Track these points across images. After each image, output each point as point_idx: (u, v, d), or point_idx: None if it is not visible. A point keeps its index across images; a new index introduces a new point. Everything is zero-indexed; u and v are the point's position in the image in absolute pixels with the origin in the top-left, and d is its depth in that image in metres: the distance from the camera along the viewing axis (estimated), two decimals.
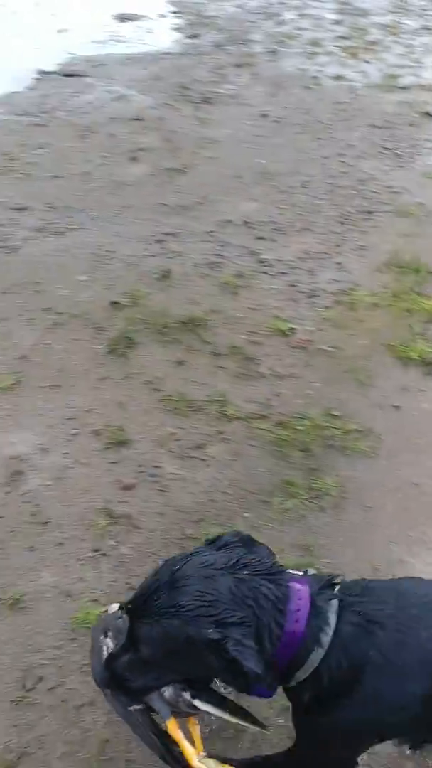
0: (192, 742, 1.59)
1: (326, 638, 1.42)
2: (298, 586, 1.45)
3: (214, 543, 1.51)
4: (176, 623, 1.36)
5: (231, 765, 1.62)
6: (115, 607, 1.68)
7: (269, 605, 1.39)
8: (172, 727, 1.57)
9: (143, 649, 1.44)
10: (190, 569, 1.41)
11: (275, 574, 1.44)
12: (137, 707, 1.59)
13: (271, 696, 1.50)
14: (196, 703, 1.52)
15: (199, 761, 1.56)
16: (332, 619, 1.44)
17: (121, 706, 1.61)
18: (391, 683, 1.46)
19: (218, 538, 1.52)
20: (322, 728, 1.54)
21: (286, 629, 1.39)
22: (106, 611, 1.73)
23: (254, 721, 1.62)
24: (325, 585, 1.49)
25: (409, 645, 1.46)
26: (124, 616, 1.53)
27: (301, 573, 1.52)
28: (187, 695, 1.52)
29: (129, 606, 1.47)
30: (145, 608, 1.41)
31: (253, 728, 1.70)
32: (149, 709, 1.59)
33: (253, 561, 1.44)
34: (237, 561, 1.42)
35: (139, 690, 1.52)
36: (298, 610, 1.41)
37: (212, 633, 1.34)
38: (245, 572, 1.41)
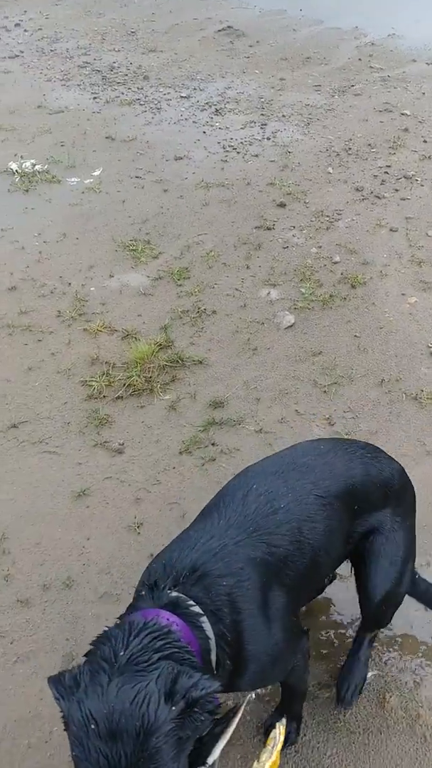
0: None
1: (195, 607, 1.62)
2: (150, 613, 1.56)
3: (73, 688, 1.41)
4: (155, 741, 1.32)
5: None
6: None
7: (163, 643, 1.45)
8: None
9: None
10: (104, 710, 1.33)
11: (140, 632, 1.46)
12: None
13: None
14: (211, 759, 1.53)
15: None
16: (183, 597, 1.63)
17: None
18: (251, 585, 1.75)
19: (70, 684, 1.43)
20: (257, 660, 1.77)
21: (183, 637, 1.51)
22: None
23: (236, 710, 1.68)
24: (153, 590, 1.66)
25: (231, 553, 1.77)
26: None
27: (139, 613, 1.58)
28: None
29: None
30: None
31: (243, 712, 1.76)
32: None
33: (113, 646, 1.44)
34: (116, 663, 1.40)
35: None
36: (169, 619, 1.54)
37: (176, 707, 1.34)
38: (125, 658, 1.41)
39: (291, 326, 3.90)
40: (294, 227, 4.75)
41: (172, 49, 8.15)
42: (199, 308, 4.04)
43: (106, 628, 1.53)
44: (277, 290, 4.17)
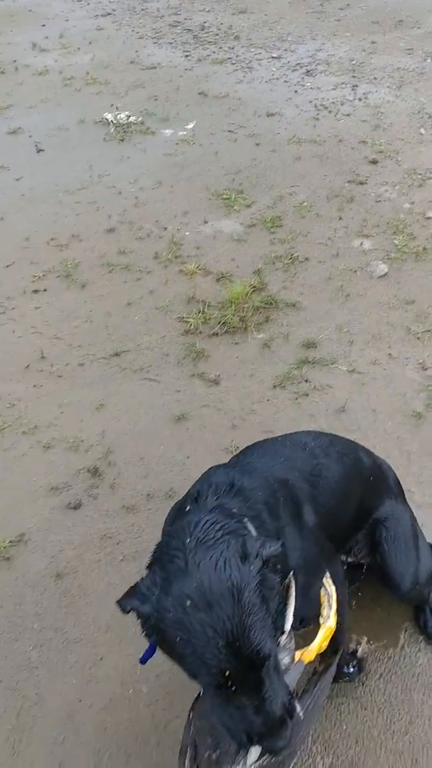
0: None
1: (236, 511, 1.66)
2: (201, 514, 1.60)
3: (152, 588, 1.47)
4: (248, 596, 1.40)
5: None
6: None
7: (222, 525, 1.52)
8: (307, 655, 1.73)
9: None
10: (193, 585, 1.40)
11: (198, 524, 1.53)
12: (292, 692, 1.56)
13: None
14: (288, 626, 1.62)
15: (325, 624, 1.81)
16: (227, 503, 1.69)
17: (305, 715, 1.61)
18: (286, 498, 1.87)
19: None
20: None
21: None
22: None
23: (288, 584, 1.74)
24: (197, 500, 1.72)
25: (264, 473, 1.90)
26: None
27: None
28: (283, 637, 1.59)
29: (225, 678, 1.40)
30: (241, 654, 1.39)
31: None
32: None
33: (178, 539, 1.51)
34: (186, 548, 1.47)
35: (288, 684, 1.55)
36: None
37: (254, 566, 1.44)
38: (193, 543, 1.48)
39: (384, 275, 3.95)
40: (386, 183, 4.77)
41: (261, 11, 8.15)
42: (291, 255, 4.12)
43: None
44: (370, 241, 4.22)
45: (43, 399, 3.30)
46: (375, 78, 6.36)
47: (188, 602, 1.39)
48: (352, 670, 2.24)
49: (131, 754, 2.13)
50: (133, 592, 1.49)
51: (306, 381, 3.33)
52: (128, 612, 1.48)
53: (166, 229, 4.41)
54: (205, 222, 4.46)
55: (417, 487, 2.82)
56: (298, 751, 1.60)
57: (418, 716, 2.18)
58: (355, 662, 2.26)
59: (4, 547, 2.68)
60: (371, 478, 2.24)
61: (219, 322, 3.65)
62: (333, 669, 1.73)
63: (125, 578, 2.57)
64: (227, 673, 1.37)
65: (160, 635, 1.45)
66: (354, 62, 6.71)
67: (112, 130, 5.56)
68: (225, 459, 2.92)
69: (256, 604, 1.42)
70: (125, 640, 2.40)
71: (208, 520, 1.53)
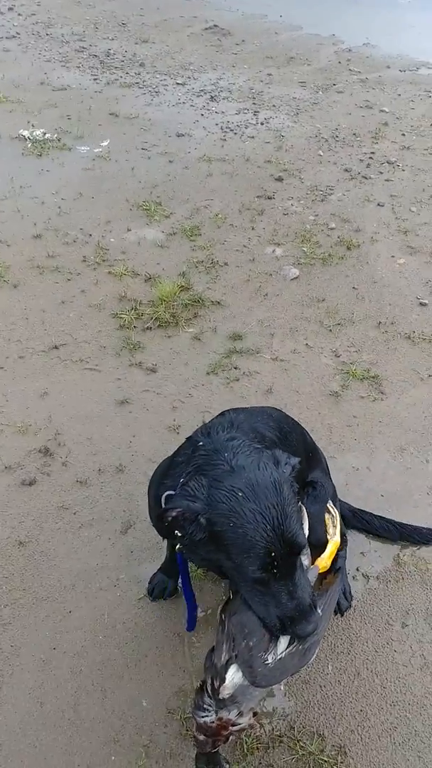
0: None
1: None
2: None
3: (198, 489, 1.71)
4: (287, 490, 1.67)
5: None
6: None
7: (248, 443, 1.82)
8: (320, 562, 1.94)
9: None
10: (242, 480, 1.67)
11: (227, 442, 1.83)
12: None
13: None
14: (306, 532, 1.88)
15: (332, 540, 2.05)
16: (234, 435, 1.92)
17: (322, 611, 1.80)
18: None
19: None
20: None
21: None
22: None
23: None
24: (210, 435, 1.94)
25: (245, 422, 2.07)
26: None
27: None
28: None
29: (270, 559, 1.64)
30: (284, 538, 1.64)
31: None
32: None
33: (214, 452, 1.78)
34: (225, 456, 1.74)
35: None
36: None
37: (285, 470, 1.74)
38: (231, 454, 1.76)
39: (296, 278, 4.36)
40: (292, 198, 5.23)
41: (163, 42, 8.59)
42: (212, 260, 4.47)
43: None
44: (281, 248, 4.63)
45: None
46: (274, 105, 6.90)
47: (240, 494, 1.63)
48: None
49: (106, 690, 2.32)
50: (176, 498, 1.70)
51: (235, 368, 3.65)
52: (172, 517, 1.67)
53: (91, 235, 4.65)
54: (129, 230, 4.74)
55: (339, 454, 3.18)
56: (319, 642, 1.82)
57: (357, 639, 2.51)
58: None
59: None
60: (310, 454, 2.55)
61: (152, 318, 3.92)
62: (337, 585, 1.96)
63: (85, 543, 2.77)
64: (272, 554, 1.60)
65: (210, 527, 1.65)
66: (253, 91, 7.23)
67: (30, 145, 5.75)
68: (169, 437, 3.21)
69: (292, 498, 1.67)
70: (90, 595, 2.59)
71: (234, 443, 1.78)
